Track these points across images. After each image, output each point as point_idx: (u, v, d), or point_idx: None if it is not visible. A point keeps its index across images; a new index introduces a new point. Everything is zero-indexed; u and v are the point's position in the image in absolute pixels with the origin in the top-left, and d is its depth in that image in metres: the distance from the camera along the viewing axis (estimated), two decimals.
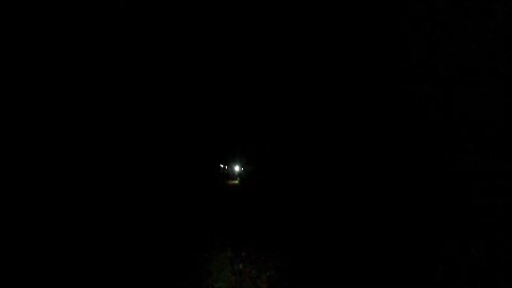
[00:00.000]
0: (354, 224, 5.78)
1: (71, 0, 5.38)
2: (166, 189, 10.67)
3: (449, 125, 3.71)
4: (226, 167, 35.31)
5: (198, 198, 13.93)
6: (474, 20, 3.26)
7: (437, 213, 3.88)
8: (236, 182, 29.68)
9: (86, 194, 6.18)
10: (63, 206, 5.58)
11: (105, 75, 6.64)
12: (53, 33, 5.27)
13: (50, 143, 5.35)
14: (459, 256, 3.52)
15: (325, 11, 6.07)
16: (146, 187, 8.94)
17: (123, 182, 7.59)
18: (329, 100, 6.99)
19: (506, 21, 2.98)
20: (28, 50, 4.84)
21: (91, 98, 6.27)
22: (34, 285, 3.89)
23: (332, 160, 6.92)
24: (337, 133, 6.66)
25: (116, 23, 6.51)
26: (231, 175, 35.80)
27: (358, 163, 5.98)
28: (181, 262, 4.80)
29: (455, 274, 3.50)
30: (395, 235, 4.63)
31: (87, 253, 4.97)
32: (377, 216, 5.18)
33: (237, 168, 34.57)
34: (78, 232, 5.64)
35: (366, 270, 4.36)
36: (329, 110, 7.01)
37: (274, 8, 6.93)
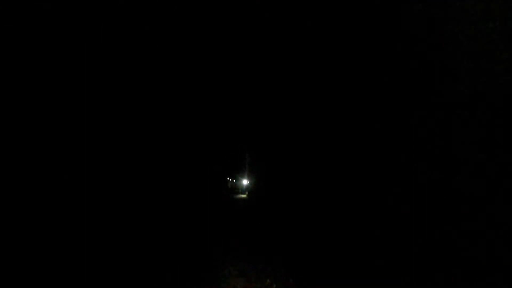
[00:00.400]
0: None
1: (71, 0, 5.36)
2: (166, 204, 10.38)
3: (450, 125, 3.69)
4: (234, 180, 34.93)
5: (202, 214, 13.73)
6: (474, 20, 3.30)
7: (437, 214, 3.82)
8: (244, 196, 29.31)
9: (84, 204, 6.13)
10: (64, 209, 5.56)
11: (108, 81, 6.61)
12: (53, 33, 5.26)
13: (50, 143, 5.33)
14: (459, 256, 3.49)
15: (334, 11, 6.04)
16: (147, 197, 8.73)
17: (121, 192, 7.39)
18: (342, 115, 6.93)
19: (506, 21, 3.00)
20: (28, 50, 4.84)
21: (92, 104, 6.25)
22: (34, 285, 3.82)
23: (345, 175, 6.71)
24: (349, 148, 6.56)
25: (118, 23, 6.47)
26: (239, 189, 35.44)
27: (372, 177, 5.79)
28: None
29: (456, 274, 3.48)
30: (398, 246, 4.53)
31: (81, 261, 4.92)
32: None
33: (245, 182, 34.21)
34: (75, 239, 5.60)
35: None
36: (341, 125, 6.93)
37: (286, 16, 6.97)
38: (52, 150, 5.39)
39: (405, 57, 4.43)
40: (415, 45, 4.24)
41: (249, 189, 29.62)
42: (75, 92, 5.82)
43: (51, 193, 5.36)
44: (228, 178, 32.51)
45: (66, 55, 5.60)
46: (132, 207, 7.68)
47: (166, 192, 9.92)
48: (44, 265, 4.60)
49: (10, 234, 4.61)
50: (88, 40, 5.95)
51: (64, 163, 5.62)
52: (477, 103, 3.36)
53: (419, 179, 4.12)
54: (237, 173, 33.63)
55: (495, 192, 3.12)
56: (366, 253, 5.36)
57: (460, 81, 3.53)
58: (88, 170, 6.22)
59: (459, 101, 3.52)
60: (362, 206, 5.68)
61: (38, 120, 5.16)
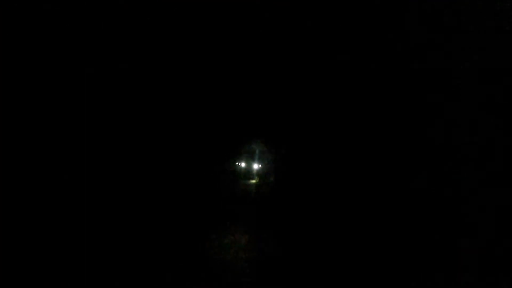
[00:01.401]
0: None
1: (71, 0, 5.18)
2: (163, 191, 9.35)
3: (449, 126, 3.74)
4: (244, 164, 31.42)
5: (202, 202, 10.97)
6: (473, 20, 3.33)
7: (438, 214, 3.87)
8: (254, 181, 25.40)
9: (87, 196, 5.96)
10: (64, 208, 5.43)
11: (109, 76, 6.48)
12: (53, 33, 5.15)
13: (50, 143, 5.18)
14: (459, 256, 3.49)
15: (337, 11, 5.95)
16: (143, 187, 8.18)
17: (117, 184, 7.00)
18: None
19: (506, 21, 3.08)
20: (28, 50, 4.81)
21: (93, 98, 6.11)
22: (34, 285, 3.97)
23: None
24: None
25: (118, 23, 6.19)
26: (248, 174, 31.59)
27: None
28: None
29: (455, 274, 3.49)
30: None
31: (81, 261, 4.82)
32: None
33: (255, 166, 30.45)
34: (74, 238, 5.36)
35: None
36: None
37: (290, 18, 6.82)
38: (52, 150, 5.24)
39: (408, 57, 4.48)
40: (415, 45, 4.25)
41: (260, 174, 26.17)
42: (75, 92, 5.68)
43: (51, 193, 5.23)
44: (236, 163, 29.18)
45: (66, 55, 5.45)
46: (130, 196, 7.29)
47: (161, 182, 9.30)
48: (44, 264, 4.47)
49: (10, 234, 4.49)
50: (88, 40, 5.75)
51: (64, 163, 5.51)
52: (477, 103, 3.36)
53: (419, 179, 4.24)
54: (248, 158, 30.16)
55: (495, 192, 3.17)
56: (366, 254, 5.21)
57: (460, 81, 3.54)
58: (88, 170, 6.07)
59: (459, 101, 3.55)
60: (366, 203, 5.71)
61: (38, 120, 5.01)
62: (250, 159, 30.49)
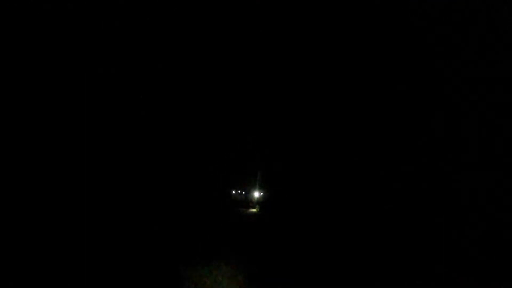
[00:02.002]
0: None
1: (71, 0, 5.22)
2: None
3: (449, 126, 3.68)
4: (244, 192, 30.57)
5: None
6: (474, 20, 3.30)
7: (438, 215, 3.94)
8: (254, 210, 24.51)
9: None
10: (65, 208, 5.41)
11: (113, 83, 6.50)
12: (53, 32, 5.11)
13: (50, 143, 5.12)
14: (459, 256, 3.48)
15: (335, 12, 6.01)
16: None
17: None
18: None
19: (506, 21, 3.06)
20: (28, 50, 4.77)
21: (93, 104, 6.06)
22: (34, 285, 3.88)
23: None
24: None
25: (118, 23, 6.15)
26: (248, 202, 30.52)
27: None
28: None
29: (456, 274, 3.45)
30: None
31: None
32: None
33: (256, 194, 29.57)
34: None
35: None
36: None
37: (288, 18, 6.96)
38: (52, 150, 5.18)
39: (409, 56, 4.40)
40: (416, 45, 4.20)
41: (261, 202, 25.28)
42: (75, 92, 5.57)
43: (51, 193, 5.19)
44: (234, 191, 28.45)
45: (66, 55, 5.39)
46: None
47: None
48: (45, 262, 4.42)
49: (10, 234, 4.43)
50: (88, 40, 5.66)
51: (64, 163, 5.47)
52: (477, 103, 3.35)
53: (420, 180, 4.16)
54: (247, 186, 29.37)
55: (495, 192, 3.18)
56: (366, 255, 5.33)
57: (461, 80, 3.50)
58: (88, 170, 6.04)
59: (459, 100, 3.52)
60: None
61: (38, 120, 4.96)
62: (251, 188, 29.66)
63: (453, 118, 3.68)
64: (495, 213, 3.26)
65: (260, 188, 27.40)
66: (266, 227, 12.54)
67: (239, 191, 31.43)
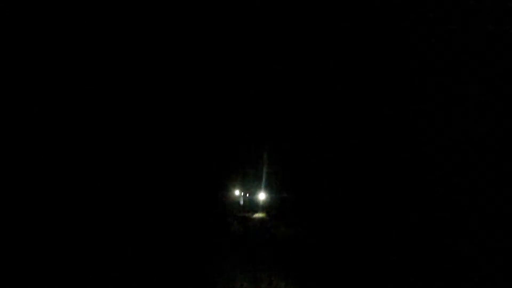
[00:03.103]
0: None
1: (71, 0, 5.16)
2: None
3: (450, 126, 3.68)
4: (248, 195, 28.95)
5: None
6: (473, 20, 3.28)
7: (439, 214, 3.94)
8: (262, 215, 22.78)
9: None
10: (65, 207, 5.36)
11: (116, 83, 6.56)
12: (53, 33, 5.05)
13: (50, 143, 5.08)
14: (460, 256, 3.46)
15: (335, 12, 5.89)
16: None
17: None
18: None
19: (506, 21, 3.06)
20: (28, 50, 4.73)
21: (94, 104, 6.05)
22: (33, 285, 3.92)
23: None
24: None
25: (118, 23, 6.13)
26: (252, 206, 28.72)
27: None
28: None
29: (456, 274, 3.46)
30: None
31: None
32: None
33: (261, 197, 27.94)
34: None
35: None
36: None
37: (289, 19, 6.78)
38: (52, 150, 5.17)
39: (409, 57, 4.42)
40: (415, 46, 4.20)
41: (267, 206, 23.80)
42: (75, 92, 5.55)
43: (51, 192, 5.11)
44: (235, 192, 27.04)
45: (66, 55, 5.39)
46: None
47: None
48: (46, 262, 4.46)
49: (10, 234, 4.44)
50: (88, 40, 5.68)
51: (64, 163, 5.45)
52: (477, 102, 3.31)
53: (420, 179, 4.27)
54: (252, 186, 27.85)
55: (495, 192, 3.16)
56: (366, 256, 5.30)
57: (460, 80, 3.51)
58: (88, 171, 6.09)
59: (460, 100, 3.51)
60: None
61: (38, 120, 4.94)
62: (255, 190, 28.04)
63: (453, 118, 3.69)
64: (495, 213, 3.27)
65: (266, 190, 25.95)
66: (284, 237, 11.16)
67: (242, 193, 30.05)
